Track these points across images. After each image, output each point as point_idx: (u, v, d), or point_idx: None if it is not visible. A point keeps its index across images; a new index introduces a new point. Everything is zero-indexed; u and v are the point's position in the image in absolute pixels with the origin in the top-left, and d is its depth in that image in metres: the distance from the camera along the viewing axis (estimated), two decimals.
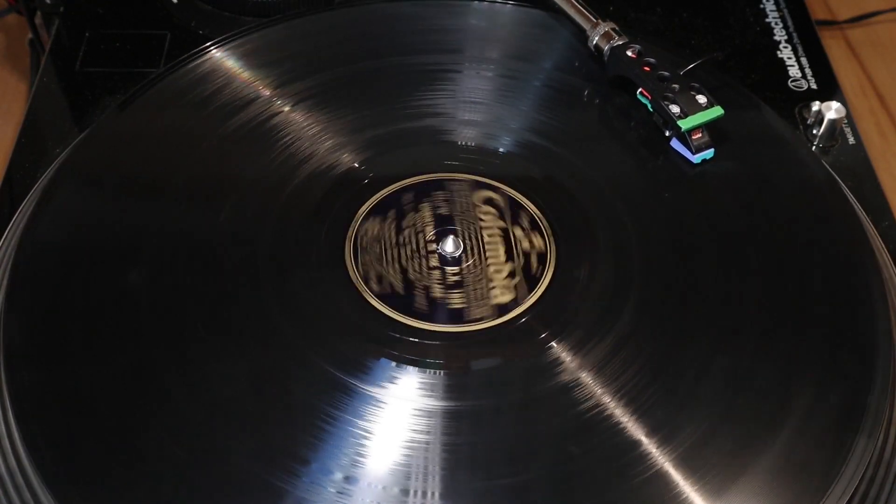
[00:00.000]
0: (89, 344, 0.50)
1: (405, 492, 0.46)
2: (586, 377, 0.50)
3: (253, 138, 0.60)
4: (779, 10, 0.77)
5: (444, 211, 0.57)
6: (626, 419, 0.48)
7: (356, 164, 0.59)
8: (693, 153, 0.59)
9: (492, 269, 0.55)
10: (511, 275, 0.55)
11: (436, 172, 0.59)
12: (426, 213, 0.57)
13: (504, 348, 0.52)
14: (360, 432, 0.48)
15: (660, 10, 0.76)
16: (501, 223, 0.57)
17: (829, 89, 0.71)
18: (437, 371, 0.50)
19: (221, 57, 0.64)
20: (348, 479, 0.46)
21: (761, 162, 0.60)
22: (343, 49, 0.65)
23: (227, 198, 0.57)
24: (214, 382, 0.49)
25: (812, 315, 0.53)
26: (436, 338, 0.52)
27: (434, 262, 0.55)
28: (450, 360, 0.51)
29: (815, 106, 0.67)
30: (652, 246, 0.56)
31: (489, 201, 0.57)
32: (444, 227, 0.56)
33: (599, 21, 0.64)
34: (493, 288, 0.54)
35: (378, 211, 0.57)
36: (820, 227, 0.57)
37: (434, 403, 0.49)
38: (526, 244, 0.56)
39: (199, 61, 0.63)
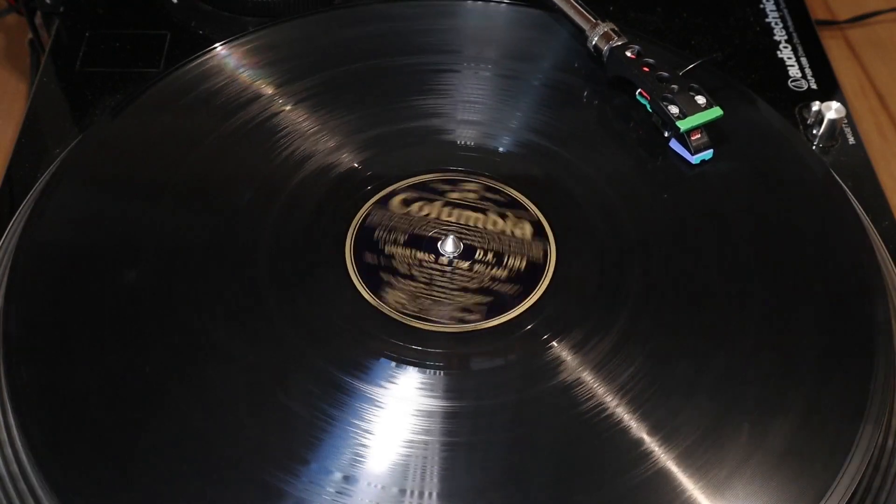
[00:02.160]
0: (89, 344, 0.50)
1: (404, 492, 0.46)
2: (586, 377, 0.50)
3: (253, 138, 0.60)
4: (779, 10, 0.77)
5: (402, 237, 0.56)
6: (627, 418, 0.48)
7: (356, 164, 0.59)
8: (692, 154, 0.59)
9: (491, 225, 0.56)
10: (502, 217, 0.57)
11: (436, 173, 0.59)
12: (399, 249, 0.55)
13: (504, 348, 0.52)
14: (359, 432, 0.48)
15: (660, 10, 0.76)
16: (437, 202, 0.57)
17: (829, 89, 0.71)
18: (437, 371, 0.50)
19: (221, 57, 0.64)
20: (347, 478, 0.46)
21: (761, 162, 0.60)
22: (343, 49, 0.65)
23: (226, 198, 0.57)
24: (214, 382, 0.49)
25: (812, 315, 0.53)
26: (435, 337, 0.52)
27: (465, 264, 0.55)
28: (450, 359, 0.51)
29: (815, 106, 0.67)
30: (651, 245, 0.56)
31: (406, 201, 0.57)
32: (424, 243, 0.56)
33: (599, 21, 0.64)
34: (513, 234, 0.56)
35: (374, 283, 0.54)
36: (820, 226, 0.57)
37: (434, 403, 0.49)
38: (471, 195, 0.58)
39: (198, 61, 0.63)
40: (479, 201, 0.57)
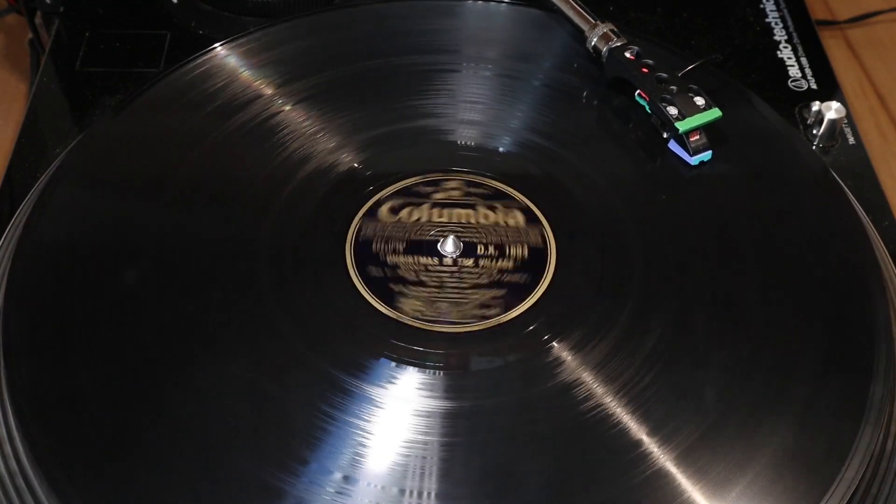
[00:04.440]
0: (89, 344, 0.50)
1: (403, 492, 0.46)
2: (586, 377, 0.50)
3: (253, 138, 0.60)
4: (779, 10, 0.77)
5: (401, 245, 0.55)
6: (627, 418, 0.48)
7: (356, 164, 0.59)
8: (691, 155, 0.59)
9: (483, 219, 0.56)
10: (492, 209, 0.57)
11: (435, 173, 0.59)
12: (401, 258, 0.55)
13: (504, 348, 0.52)
14: (359, 432, 0.48)
15: (660, 10, 0.76)
16: (424, 205, 0.57)
17: (829, 89, 0.71)
18: (437, 371, 0.50)
19: (221, 57, 0.64)
20: (347, 478, 0.46)
21: (761, 162, 0.60)
22: (343, 49, 0.65)
23: (226, 198, 0.57)
24: (214, 382, 0.49)
25: (812, 315, 0.53)
26: (435, 338, 0.52)
27: (470, 262, 0.55)
28: (449, 360, 0.51)
29: (815, 106, 0.67)
30: (651, 246, 0.56)
31: (393, 209, 0.57)
32: (424, 248, 0.56)
33: (598, 22, 0.64)
34: (507, 224, 0.56)
35: (386, 295, 0.53)
36: (820, 226, 0.57)
37: (433, 403, 0.49)
38: (455, 192, 0.58)
39: (198, 61, 0.64)
40: (464, 197, 0.58)
